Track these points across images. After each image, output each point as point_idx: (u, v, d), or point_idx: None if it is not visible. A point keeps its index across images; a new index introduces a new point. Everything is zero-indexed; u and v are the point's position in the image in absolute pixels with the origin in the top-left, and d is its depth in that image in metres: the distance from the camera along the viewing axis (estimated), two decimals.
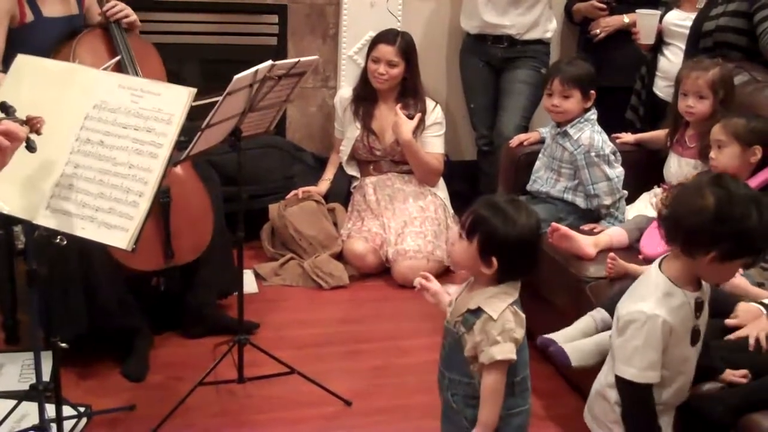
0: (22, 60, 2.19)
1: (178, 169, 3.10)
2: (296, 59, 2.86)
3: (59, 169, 2.01)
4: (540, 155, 3.38)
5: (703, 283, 2.06)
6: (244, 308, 2.93)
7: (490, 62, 4.32)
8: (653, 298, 2.01)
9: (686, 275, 2.02)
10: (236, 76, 2.58)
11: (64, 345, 2.26)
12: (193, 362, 3.06)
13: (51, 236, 2.04)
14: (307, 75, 2.96)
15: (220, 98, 2.50)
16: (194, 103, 2.07)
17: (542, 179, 3.32)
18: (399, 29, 4.14)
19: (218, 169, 3.60)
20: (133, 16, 3.24)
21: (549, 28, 4.30)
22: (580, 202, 3.24)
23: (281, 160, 4.21)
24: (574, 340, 2.45)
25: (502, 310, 1.96)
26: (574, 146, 3.20)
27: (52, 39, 3.09)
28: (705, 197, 1.94)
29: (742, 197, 1.94)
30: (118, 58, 2.87)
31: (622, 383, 2.05)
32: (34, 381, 2.44)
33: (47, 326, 2.57)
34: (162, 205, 2.97)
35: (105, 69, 2.30)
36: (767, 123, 2.88)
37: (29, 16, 3.10)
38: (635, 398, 2.05)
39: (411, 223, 3.92)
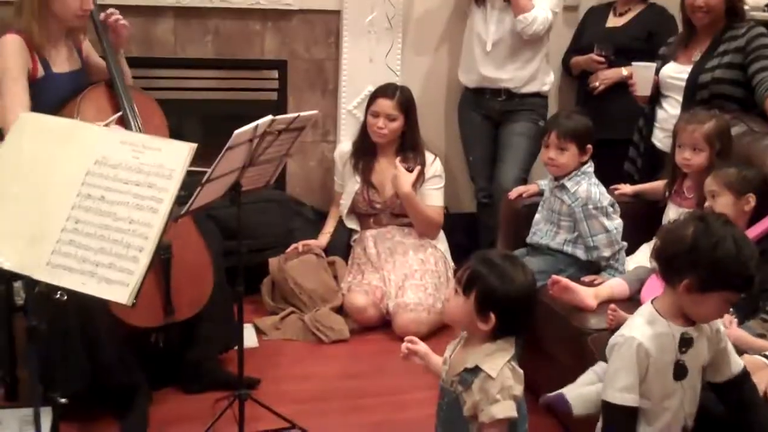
0: (24, 117, 2.21)
1: (179, 224, 3.10)
2: (296, 114, 2.89)
3: (60, 225, 2.01)
4: (539, 207, 3.38)
5: (704, 326, 2.07)
6: (245, 363, 2.92)
7: (489, 115, 4.36)
8: (634, 323, 2.09)
9: (673, 308, 2.06)
10: (236, 131, 2.60)
11: (63, 401, 2.25)
12: (193, 418, 3.03)
13: (51, 292, 2.03)
14: (307, 129, 2.99)
15: (216, 160, 2.52)
16: (191, 168, 2.08)
17: (542, 231, 3.33)
18: (398, 83, 4.19)
19: (218, 223, 3.62)
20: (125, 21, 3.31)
21: (546, 81, 4.34)
22: (580, 253, 3.24)
23: (281, 214, 4.23)
24: None
25: (500, 367, 1.96)
26: (572, 199, 3.21)
27: (60, 94, 3.14)
28: (686, 228, 2.01)
29: (720, 229, 1.99)
30: (120, 113, 2.90)
31: (603, 406, 2.09)
32: None
33: (47, 382, 2.55)
34: (163, 261, 2.98)
35: (107, 124, 2.33)
36: (759, 171, 2.91)
37: (40, 72, 3.14)
38: (613, 419, 2.07)
39: (411, 275, 3.92)
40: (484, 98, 4.33)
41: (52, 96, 3.11)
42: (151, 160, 2.08)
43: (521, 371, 2.00)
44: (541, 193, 3.44)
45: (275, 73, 4.45)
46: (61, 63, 3.23)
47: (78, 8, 3.13)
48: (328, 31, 4.42)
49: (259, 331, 3.81)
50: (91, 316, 2.88)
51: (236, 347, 2.96)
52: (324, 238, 4.17)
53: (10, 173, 2.09)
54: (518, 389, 1.98)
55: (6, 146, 2.12)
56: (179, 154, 2.09)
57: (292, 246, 4.05)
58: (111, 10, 3.27)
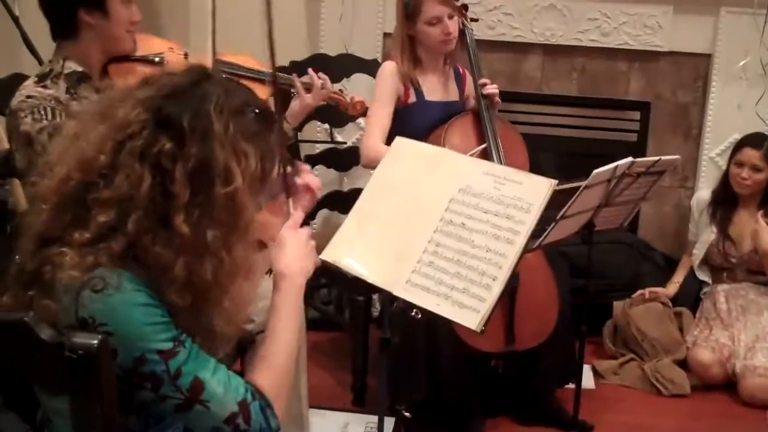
0: (399, 142, 2.35)
1: (530, 256, 3.15)
2: (657, 158, 2.83)
3: (422, 246, 2.11)
4: None
5: None
6: (580, 403, 2.90)
7: None
8: None
9: None
10: (595, 171, 2.60)
11: (407, 414, 2.36)
12: None
13: (407, 309, 2.15)
14: (666, 174, 2.92)
15: (581, 186, 2.53)
16: (558, 187, 2.10)
17: None
18: (767, 133, 3.96)
19: (567, 259, 3.62)
20: (496, 100, 3.38)
21: None
22: None
23: (630, 257, 4.15)
24: None
25: None
26: None
27: (429, 121, 3.32)
28: None
29: None
30: (484, 145, 3.00)
31: None
32: None
33: (392, 393, 2.70)
34: (509, 288, 3.03)
35: (472, 155, 2.42)
36: None
37: (412, 98, 3.36)
38: None
39: (764, 338, 3.68)
40: None
41: (421, 121, 3.30)
42: (511, 193, 2.13)
43: None
44: None
45: (637, 114, 4.38)
46: (434, 91, 3.41)
47: (440, 35, 3.27)
48: (697, 74, 4.29)
49: (597, 374, 3.76)
50: (437, 334, 2.99)
51: (573, 384, 2.94)
52: (673, 287, 4.04)
53: (384, 192, 2.23)
54: None
55: (382, 168, 2.27)
56: (539, 189, 2.12)
57: (639, 291, 3.96)
58: (485, 81, 3.37)
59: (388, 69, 3.34)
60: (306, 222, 1.84)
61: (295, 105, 2.89)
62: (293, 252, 1.71)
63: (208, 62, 2.53)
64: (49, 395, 1.53)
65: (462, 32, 3.37)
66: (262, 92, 2.74)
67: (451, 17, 3.26)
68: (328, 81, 2.94)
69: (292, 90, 2.92)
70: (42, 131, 2.35)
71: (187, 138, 1.44)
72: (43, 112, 2.38)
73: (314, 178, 1.96)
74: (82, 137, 1.48)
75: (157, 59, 2.65)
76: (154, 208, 1.43)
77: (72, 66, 2.49)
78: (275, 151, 1.59)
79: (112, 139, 1.44)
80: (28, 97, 2.41)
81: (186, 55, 2.76)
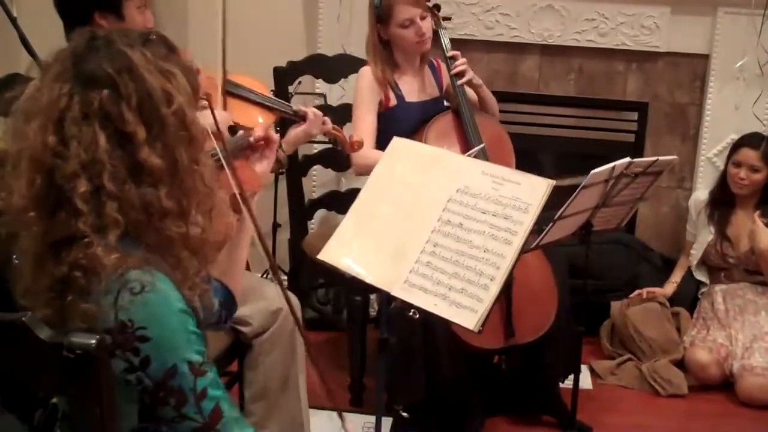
0: (396, 142, 2.36)
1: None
2: (654, 158, 2.84)
3: (420, 246, 2.12)
4: None
5: None
6: (578, 403, 2.90)
7: None
8: None
9: None
10: (593, 171, 2.61)
11: (405, 414, 2.36)
12: None
13: (405, 309, 2.15)
14: (664, 174, 2.92)
15: (580, 184, 2.54)
16: (558, 183, 2.10)
17: None
18: (764, 133, 3.97)
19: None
20: (469, 76, 3.37)
21: None
22: None
23: (628, 257, 4.15)
24: None
25: None
26: None
27: (412, 122, 3.34)
28: None
29: None
30: (481, 146, 3.00)
31: None
32: None
33: (390, 393, 2.70)
34: (505, 284, 3.02)
35: (470, 155, 2.43)
36: None
37: (393, 101, 3.37)
38: None
39: (761, 338, 3.68)
40: None
41: (403, 123, 3.29)
42: (510, 193, 2.13)
43: None
44: None
45: (635, 115, 4.38)
46: (414, 92, 3.42)
47: (414, 37, 3.28)
48: (694, 75, 4.29)
49: (594, 374, 3.76)
50: (434, 333, 2.99)
51: (571, 377, 2.94)
52: (670, 287, 4.04)
53: (381, 193, 2.24)
54: None
55: (380, 168, 2.28)
56: (537, 189, 2.12)
57: (636, 292, 3.97)
58: (455, 54, 3.36)
59: (366, 75, 3.37)
60: None
61: (292, 133, 2.87)
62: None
63: (219, 81, 2.57)
64: (49, 395, 1.53)
65: (435, 32, 3.38)
66: (267, 117, 2.75)
67: (423, 18, 3.28)
68: (329, 120, 2.91)
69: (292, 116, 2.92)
70: None
71: (117, 80, 1.47)
72: None
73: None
74: (22, 143, 1.48)
75: None
76: (119, 158, 1.46)
77: None
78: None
79: (49, 122, 1.46)
80: None
81: (198, 71, 2.76)
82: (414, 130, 3.30)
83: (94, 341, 1.32)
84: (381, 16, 3.29)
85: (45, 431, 1.82)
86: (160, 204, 1.48)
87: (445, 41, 3.40)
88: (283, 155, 2.89)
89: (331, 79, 3.94)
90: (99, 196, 1.45)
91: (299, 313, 2.64)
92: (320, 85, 4.07)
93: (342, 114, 3.79)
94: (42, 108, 1.47)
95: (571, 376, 3.10)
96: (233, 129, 2.56)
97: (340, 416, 1.90)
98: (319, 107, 3.74)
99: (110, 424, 1.39)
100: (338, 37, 4.11)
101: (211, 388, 1.48)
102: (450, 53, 3.35)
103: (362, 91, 3.37)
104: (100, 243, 1.44)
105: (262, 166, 2.13)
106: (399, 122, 3.31)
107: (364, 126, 3.32)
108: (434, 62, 3.55)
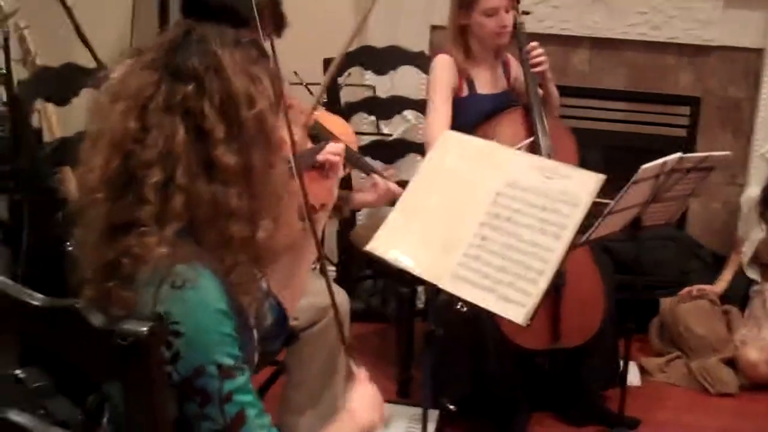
0: (447, 134, 2.36)
1: (576, 252, 3.12)
2: (706, 153, 2.81)
3: (469, 240, 2.11)
4: None
5: None
6: (626, 400, 2.88)
7: None
8: None
9: None
10: (644, 166, 2.58)
11: (452, 407, 2.36)
12: None
13: (453, 302, 2.15)
14: (716, 170, 2.88)
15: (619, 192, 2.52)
16: (597, 200, 2.09)
17: None
18: None
19: (612, 255, 3.59)
20: (545, 66, 3.35)
21: None
22: None
23: (678, 254, 4.10)
24: None
25: None
26: None
27: (481, 114, 3.32)
28: None
29: None
30: (531, 138, 2.98)
31: None
32: None
33: (437, 386, 2.70)
34: (555, 285, 3.02)
35: (519, 148, 2.42)
36: None
37: (464, 91, 3.35)
38: None
39: None
40: None
41: (472, 115, 3.29)
42: (559, 187, 2.12)
43: None
44: None
45: (687, 110, 4.32)
46: (485, 84, 3.41)
47: (495, 27, 3.27)
48: (748, 69, 4.22)
49: (643, 371, 3.73)
50: (482, 328, 2.99)
51: (619, 385, 2.93)
52: (721, 284, 3.98)
53: (431, 185, 2.24)
54: None
55: (430, 160, 2.27)
56: (587, 183, 2.11)
57: (686, 289, 3.91)
58: (533, 44, 3.34)
59: (444, 61, 3.34)
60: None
61: (359, 197, 2.79)
62: (363, 400, 1.77)
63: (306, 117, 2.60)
64: (100, 381, 1.55)
65: (514, 25, 3.35)
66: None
67: (507, 10, 3.26)
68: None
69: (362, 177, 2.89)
70: None
71: (204, 77, 1.48)
72: None
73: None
74: (105, 123, 1.50)
75: None
76: (195, 152, 1.47)
77: None
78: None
79: (134, 108, 1.48)
80: None
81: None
82: (482, 123, 3.29)
83: (145, 329, 1.34)
84: (464, 1, 3.28)
85: (96, 415, 1.85)
86: (228, 203, 1.48)
87: (523, 37, 3.37)
88: (347, 210, 2.89)
89: (381, 71, 3.93)
90: (168, 187, 1.46)
91: (347, 308, 2.66)
92: (369, 77, 4.07)
93: (390, 107, 3.79)
94: (129, 92, 1.49)
95: (619, 371, 3.08)
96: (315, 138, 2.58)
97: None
98: (367, 99, 3.76)
99: (160, 410, 1.40)
100: (388, 28, 4.11)
101: (238, 393, 1.45)
102: (529, 46, 3.33)
103: (439, 75, 3.34)
104: (155, 234, 1.45)
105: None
106: (468, 113, 3.30)
107: (437, 110, 3.29)
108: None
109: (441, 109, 3.28)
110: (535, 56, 3.30)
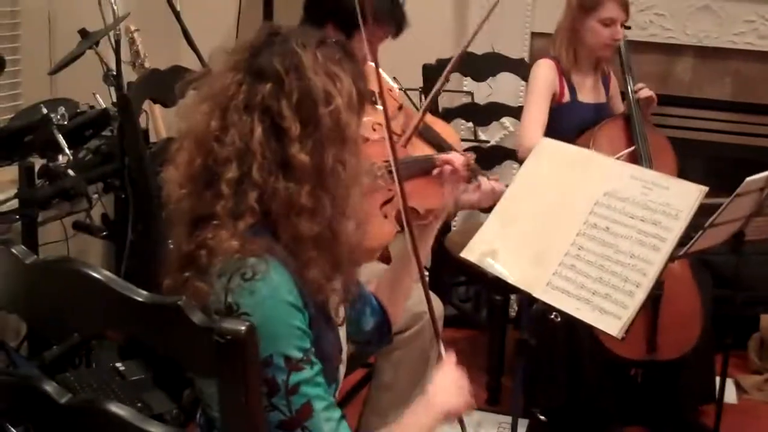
0: (544, 142, 2.35)
1: (674, 265, 3.07)
2: None
3: (564, 249, 2.09)
4: None
5: None
6: (722, 419, 2.81)
7: None
8: None
9: None
10: (748, 179, 2.52)
11: (543, 418, 2.34)
12: None
13: (547, 311, 2.13)
14: None
15: (727, 199, 2.46)
16: (704, 201, 2.05)
17: None
18: None
19: (712, 268, 3.51)
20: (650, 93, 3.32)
21: None
22: None
23: None
24: None
25: None
26: None
27: (581, 122, 3.31)
28: None
29: None
30: (632, 148, 2.94)
31: None
32: None
33: (528, 395, 2.68)
34: (653, 297, 2.97)
35: (619, 158, 2.38)
36: None
37: (566, 97, 3.34)
38: None
39: None
40: None
41: (573, 122, 3.28)
42: (659, 198, 2.09)
43: None
44: None
45: None
46: (587, 93, 3.40)
47: (608, 37, 3.26)
48: None
49: (740, 388, 3.64)
50: (577, 337, 2.96)
51: (714, 402, 2.86)
52: None
53: (528, 192, 2.23)
54: None
55: (527, 167, 2.27)
56: (688, 195, 2.07)
57: None
58: (640, 86, 3.30)
59: (546, 65, 3.34)
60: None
61: (465, 198, 2.78)
62: (445, 382, 1.76)
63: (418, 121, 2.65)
64: (197, 378, 1.59)
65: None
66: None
67: (622, 24, 3.26)
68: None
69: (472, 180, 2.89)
70: None
71: (284, 77, 1.51)
72: None
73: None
74: (191, 123, 1.55)
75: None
76: (270, 150, 1.50)
77: None
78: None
79: (217, 107, 1.52)
80: None
81: (401, 107, 2.90)
82: (582, 131, 3.28)
83: (243, 327, 1.36)
84: (586, 4, 3.26)
85: (192, 410, 1.89)
86: (300, 201, 1.50)
87: (625, 49, 3.35)
88: (451, 213, 2.89)
89: (479, 78, 3.92)
90: (244, 183, 1.50)
91: (441, 313, 2.65)
92: (468, 83, 4.06)
93: (488, 113, 3.78)
94: (214, 93, 1.54)
95: (716, 388, 3.00)
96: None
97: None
98: (466, 105, 3.75)
99: (255, 407, 1.42)
100: (487, 35, 4.10)
101: (305, 385, 1.47)
102: (636, 86, 3.29)
103: (539, 79, 3.34)
104: (229, 227, 1.49)
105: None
106: (568, 119, 3.30)
107: (534, 114, 3.30)
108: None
109: (538, 112, 3.28)
110: (645, 92, 3.29)
